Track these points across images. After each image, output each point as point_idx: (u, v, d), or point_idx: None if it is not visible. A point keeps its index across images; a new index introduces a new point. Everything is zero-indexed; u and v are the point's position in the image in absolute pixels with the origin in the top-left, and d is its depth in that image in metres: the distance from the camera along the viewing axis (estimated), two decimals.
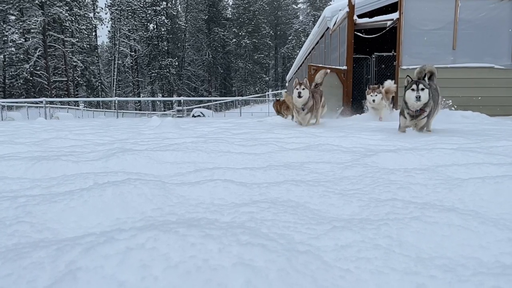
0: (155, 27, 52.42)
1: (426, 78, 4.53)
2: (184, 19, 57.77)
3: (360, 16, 11.50)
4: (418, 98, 4.18)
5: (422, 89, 4.21)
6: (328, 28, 14.13)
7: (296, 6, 67.76)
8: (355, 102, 11.85)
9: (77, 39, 41.16)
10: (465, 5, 10.49)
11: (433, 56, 10.62)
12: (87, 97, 43.59)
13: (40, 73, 38.49)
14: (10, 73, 37.44)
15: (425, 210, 1.31)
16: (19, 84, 37.93)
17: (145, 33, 51.04)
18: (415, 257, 1.01)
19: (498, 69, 10.43)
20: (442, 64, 10.57)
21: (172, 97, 46.84)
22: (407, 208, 1.34)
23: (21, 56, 37.20)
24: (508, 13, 10.50)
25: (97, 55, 48.51)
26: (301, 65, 22.20)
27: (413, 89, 4.24)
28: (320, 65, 12.20)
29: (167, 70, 51.06)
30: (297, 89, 5.97)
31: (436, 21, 10.66)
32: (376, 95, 7.79)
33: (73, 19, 40.53)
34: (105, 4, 50.06)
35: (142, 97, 52.08)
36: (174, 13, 54.29)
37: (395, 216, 1.29)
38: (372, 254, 1.01)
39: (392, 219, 1.25)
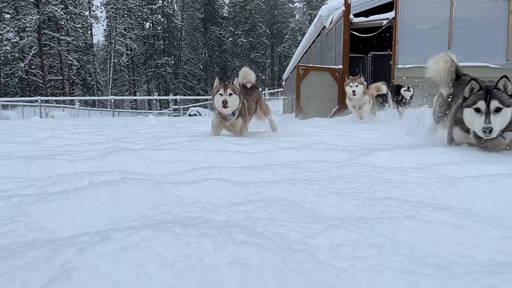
0: (151, 25, 52.23)
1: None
2: (180, 17, 57.61)
3: (356, 15, 11.52)
4: (488, 130, 2.38)
5: (498, 110, 2.41)
6: (324, 27, 14.15)
7: (293, 5, 67.75)
8: None
9: (73, 38, 40.99)
10: (460, 4, 10.53)
11: (428, 55, 10.56)
12: (83, 96, 43.38)
13: (35, 71, 38.31)
14: (5, 72, 37.24)
15: (419, 208, 1.31)
16: (14, 82, 37.72)
17: (141, 32, 50.87)
18: (409, 255, 1.02)
19: (493, 68, 10.48)
20: None
21: (168, 96, 46.72)
22: (402, 207, 1.35)
23: (16, 54, 37.00)
24: (503, 12, 10.54)
25: (92, 53, 48.36)
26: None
27: (477, 110, 2.46)
28: (309, 65, 12.22)
29: (163, 69, 50.90)
30: (221, 94, 4.08)
31: (431, 20, 10.68)
32: (357, 85, 6.62)
33: (68, 17, 40.36)
34: (101, 2, 49.85)
35: (138, 96, 51.89)
36: (170, 11, 54.14)
37: (390, 215, 1.29)
38: (367, 253, 1.01)
39: (387, 218, 1.26)
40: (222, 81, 4.26)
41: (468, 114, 2.55)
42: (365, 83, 6.91)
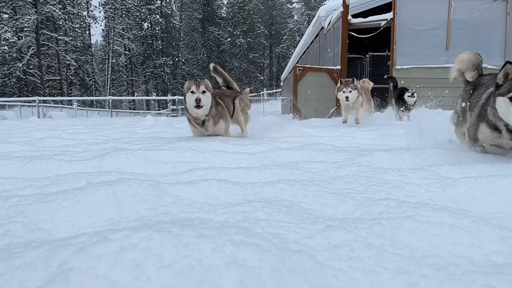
0: (149, 26, 52.16)
1: None
2: (178, 18, 57.56)
3: (354, 16, 11.55)
4: None
5: None
6: (322, 27, 14.17)
7: (291, 5, 67.80)
8: None
9: (71, 38, 40.89)
10: (458, 5, 10.57)
11: (426, 56, 10.69)
12: (81, 96, 43.31)
13: (33, 71, 38.23)
14: (3, 72, 37.12)
15: (418, 209, 1.31)
16: (12, 83, 37.65)
17: (139, 32, 50.80)
18: (407, 256, 1.02)
19: (491, 69, 10.50)
20: (435, 64, 10.63)
21: (167, 96, 46.66)
22: (400, 207, 1.35)
23: (14, 54, 36.93)
24: (501, 13, 10.59)
25: (90, 53, 48.25)
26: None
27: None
28: (307, 66, 12.24)
29: (162, 69, 50.85)
30: (192, 92, 3.70)
31: (429, 21, 10.73)
32: (350, 91, 6.13)
33: (66, 17, 40.28)
34: (99, 2, 49.81)
35: (136, 96, 51.83)
36: (168, 12, 54.07)
37: (388, 215, 1.29)
38: (365, 253, 1.01)
39: (386, 218, 1.26)
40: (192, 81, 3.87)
41: (502, 104, 2.15)
42: (359, 86, 6.45)
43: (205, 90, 3.72)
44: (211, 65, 4.66)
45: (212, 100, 3.83)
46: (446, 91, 9.62)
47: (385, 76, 8.76)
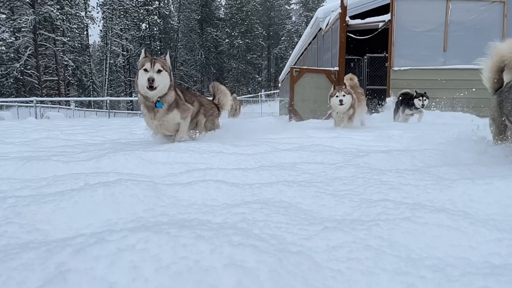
0: (147, 26, 52.16)
1: None
2: (176, 18, 57.55)
3: (352, 18, 11.57)
4: None
5: None
6: (320, 29, 14.20)
7: (289, 6, 67.83)
8: None
9: (68, 38, 40.84)
10: (456, 7, 10.61)
11: (424, 58, 10.72)
12: (79, 96, 43.23)
13: (31, 72, 38.14)
14: (0, 72, 37.02)
15: (415, 210, 1.32)
16: (9, 83, 37.55)
17: (137, 33, 50.75)
18: (405, 257, 1.02)
19: None
20: (433, 66, 10.66)
21: None
22: (398, 209, 1.35)
23: (12, 55, 36.84)
24: (498, 14, 10.63)
25: (88, 54, 48.19)
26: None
27: None
28: (304, 67, 12.25)
29: None
30: (146, 70, 3.25)
31: (427, 23, 10.77)
32: (344, 95, 5.92)
33: (64, 18, 40.22)
34: (97, 3, 49.72)
35: (134, 97, 51.73)
36: (166, 12, 54.09)
37: (386, 217, 1.29)
38: (363, 255, 1.01)
39: (383, 220, 1.26)
40: (150, 55, 3.35)
41: None
42: (352, 92, 6.14)
43: (161, 69, 3.26)
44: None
45: (170, 82, 3.38)
46: (444, 93, 9.67)
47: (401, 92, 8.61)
